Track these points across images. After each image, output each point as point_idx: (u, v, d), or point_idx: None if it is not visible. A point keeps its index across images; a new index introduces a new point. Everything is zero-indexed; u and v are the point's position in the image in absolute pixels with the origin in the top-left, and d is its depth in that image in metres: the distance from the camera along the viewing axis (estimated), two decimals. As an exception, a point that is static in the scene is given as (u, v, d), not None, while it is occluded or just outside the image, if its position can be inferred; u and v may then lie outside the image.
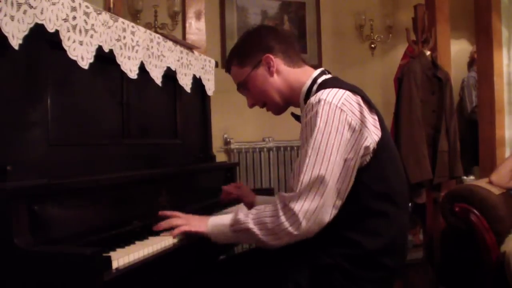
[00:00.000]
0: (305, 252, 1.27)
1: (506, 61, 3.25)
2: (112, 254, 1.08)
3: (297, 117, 1.46)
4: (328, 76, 1.38)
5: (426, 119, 3.11)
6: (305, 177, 1.17)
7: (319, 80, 1.35)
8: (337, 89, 1.22)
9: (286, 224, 1.17)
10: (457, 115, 3.30)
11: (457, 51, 3.93)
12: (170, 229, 1.32)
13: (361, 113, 1.21)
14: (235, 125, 3.56)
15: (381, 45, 4.08)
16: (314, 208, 1.16)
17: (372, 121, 1.24)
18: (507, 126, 3.21)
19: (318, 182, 1.16)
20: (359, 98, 1.23)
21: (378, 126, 1.25)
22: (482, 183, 2.48)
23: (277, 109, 1.44)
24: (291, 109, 1.47)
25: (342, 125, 1.18)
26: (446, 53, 3.34)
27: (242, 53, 1.42)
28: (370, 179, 1.22)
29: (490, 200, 2.30)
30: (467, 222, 2.27)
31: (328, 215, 1.18)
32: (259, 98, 1.43)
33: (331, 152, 1.16)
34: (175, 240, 1.30)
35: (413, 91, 3.06)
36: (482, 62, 3.25)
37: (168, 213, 1.39)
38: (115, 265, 1.04)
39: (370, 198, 1.23)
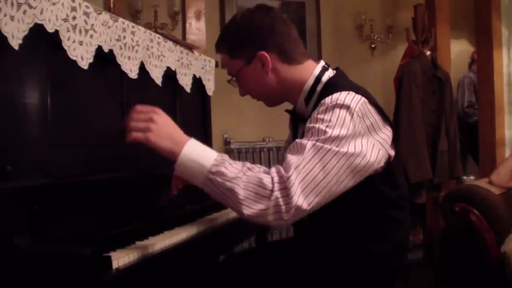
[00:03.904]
0: (313, 257, 1.24)
1: (506, 61, 3.25)
2: (112, 254, 1.07)
3: (290, 112, 1.37)
4: (331, 72, 1.27)
5: (426, 119, 3.11)
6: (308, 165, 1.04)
7: (324, 79, 1.23)
8: (353, 94, 1.12)
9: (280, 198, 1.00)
10: (456, 115, 3.30)
11: (457, 51, 3.93)
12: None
13: (373, 125, 1.12)
14: (235, 125, 3.56)
15: (381, 45, 4.08)
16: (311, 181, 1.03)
17: (388, 132, 1.16)
18: (507, 126, 3.22)
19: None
20: (372, 108, 1.13)
21: (391, 138, 1.17)
22: (482, 183, 2.48)
23: (270, 104, 1.34)
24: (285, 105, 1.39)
25: (358, 131, 1.09)
26: (446, 53, 3.35)
27: (233, 44, 1.25)
28: (385, 186, 1.18)
29: (490, 200, 2.29)
30: (467, 222, 2.26)
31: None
32: (252, 93, 1.31)
33: (338, 157, 1.06)
34: (175, 241, 1.30)
35: (413, 91, 3.07)
36: (482, 62, 3.25)
37: (145, 108, 1.13)
38: (115, 265, 1.04)
39: (383, 204, 1.20)
